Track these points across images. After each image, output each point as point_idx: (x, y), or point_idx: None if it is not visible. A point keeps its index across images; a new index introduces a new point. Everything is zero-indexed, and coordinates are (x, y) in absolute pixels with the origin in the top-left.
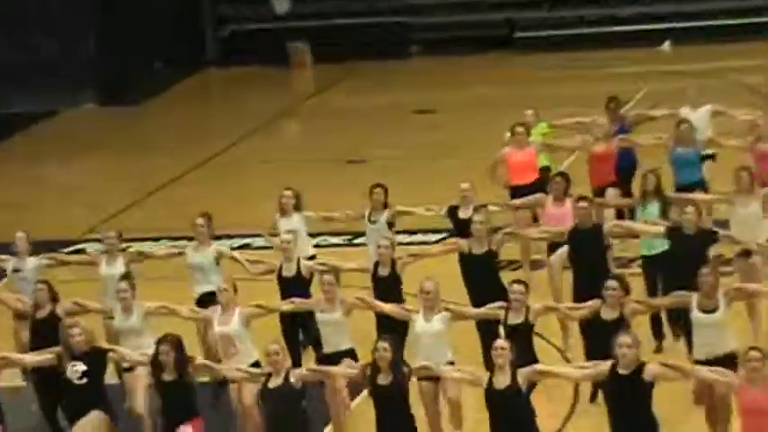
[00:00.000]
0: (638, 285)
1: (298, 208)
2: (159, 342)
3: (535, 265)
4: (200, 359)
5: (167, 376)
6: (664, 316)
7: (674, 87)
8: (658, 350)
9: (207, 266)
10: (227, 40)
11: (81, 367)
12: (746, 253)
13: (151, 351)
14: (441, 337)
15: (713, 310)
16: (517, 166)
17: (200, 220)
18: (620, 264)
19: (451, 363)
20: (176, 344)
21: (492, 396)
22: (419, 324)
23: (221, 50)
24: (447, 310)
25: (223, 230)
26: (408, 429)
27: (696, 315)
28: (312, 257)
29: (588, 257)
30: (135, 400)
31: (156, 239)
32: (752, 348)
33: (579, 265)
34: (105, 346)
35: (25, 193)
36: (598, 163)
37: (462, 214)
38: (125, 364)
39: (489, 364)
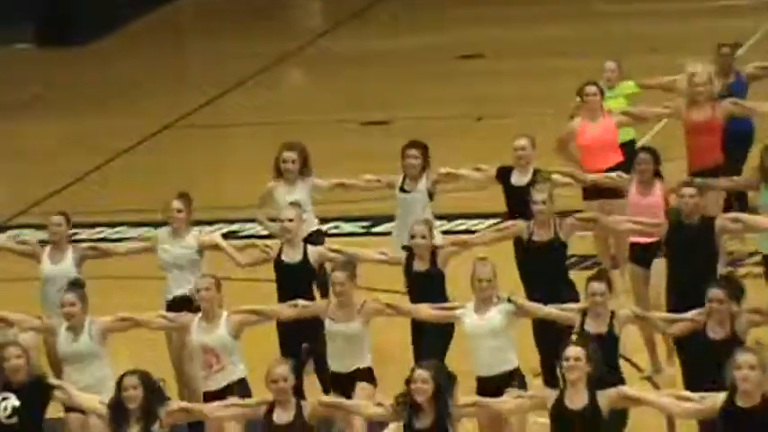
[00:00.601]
0: (756, 288)
1: (303, 173)
2: (125, 375)
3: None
4: (175, 402)
5: (133, 426)
6: None
7: None
8: None
9: (188, 262)
10: None
11: (13, 402)
12: None
13: (108, 391)
14: (501, 337)
15: None
16: (591, 145)
17: (177, 204)
18: (732, 261)
19: (515, 370)
20: (147, 380)
21: (563, 417)
22: (471, 321)
23: None
24: (509, 301)
25: (200, 214)
26: None
27: None
28: (317, 233)
29: (693, 262)
30: None
31: (112, 225)
32: None
33: (680, 273)
34: (52, 381)
35: None
36: (698, 136)
37: (516, 180)
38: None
39: (550, 378)
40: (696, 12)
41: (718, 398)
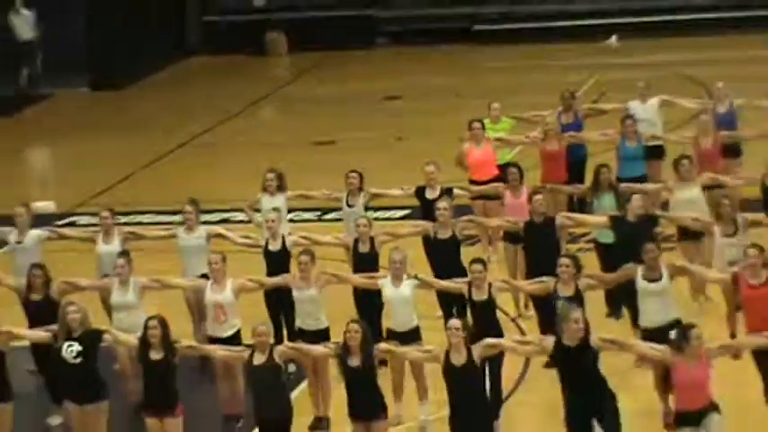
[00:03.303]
0: (586, 259)
1: (281, 188)
2: (148, 319)
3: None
4: (184, 341)
5: (154, 355)
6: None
7: (621, 78)
8: (610, 315)
9: (200, 248)
10: (208, 29)
11: (76, 347)
12: (693, 235)
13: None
14: (408, 303)
15: (657, 280)
16: (476, 162)
17: (188, 208)
18: (570, 239)
19: (416, 328)
20: (164, 322)
21: (450, 372)
22: (388, 289)
23: (203, 39)
24: (416, 278)
25: (203, 206)
26: (377, 407)
27: (641, 284)
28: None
29: (542, 249)
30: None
31: (142, 213)
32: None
33: (533, 256)
34: (101, 327)
35: (22, 169)
36: (550, 161)
37: (429, 195)
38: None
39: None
40: (547, 68)
41: (551, 340)
